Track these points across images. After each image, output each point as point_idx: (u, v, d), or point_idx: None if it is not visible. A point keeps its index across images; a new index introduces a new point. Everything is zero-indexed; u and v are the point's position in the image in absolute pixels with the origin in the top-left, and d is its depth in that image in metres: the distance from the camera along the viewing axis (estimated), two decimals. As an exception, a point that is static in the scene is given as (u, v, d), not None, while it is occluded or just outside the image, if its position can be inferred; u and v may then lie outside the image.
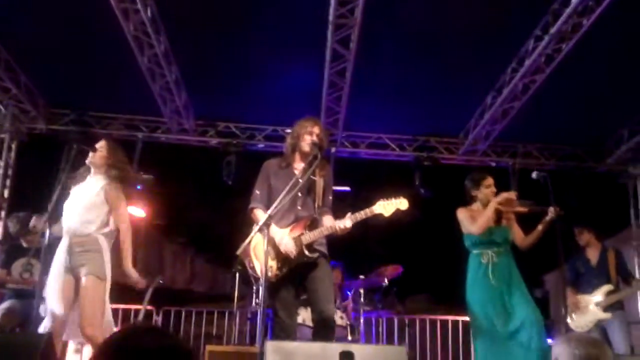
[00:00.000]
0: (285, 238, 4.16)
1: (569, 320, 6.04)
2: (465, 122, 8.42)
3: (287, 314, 4.24)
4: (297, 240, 4.17)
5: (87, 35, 6.62)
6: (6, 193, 8.23)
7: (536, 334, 4.60)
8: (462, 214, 5.14)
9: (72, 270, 4.25)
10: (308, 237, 4.16)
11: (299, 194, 4.23)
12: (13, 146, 8.41)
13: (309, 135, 4.36)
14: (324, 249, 4.31)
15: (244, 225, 4.52)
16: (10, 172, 8.33)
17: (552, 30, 5.97)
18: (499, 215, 5.08)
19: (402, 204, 4.18)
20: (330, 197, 4.45)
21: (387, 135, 8.81)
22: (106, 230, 4.38)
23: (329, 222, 4.24)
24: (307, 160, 4.28)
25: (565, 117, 8.00)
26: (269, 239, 3.90)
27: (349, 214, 4.16)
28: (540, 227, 5.00)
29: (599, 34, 5.95)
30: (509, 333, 4.68)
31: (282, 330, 4.19)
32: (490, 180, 5.17)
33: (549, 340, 5.05)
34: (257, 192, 4.38)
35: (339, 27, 6.06)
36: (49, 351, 3.76)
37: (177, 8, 6.25)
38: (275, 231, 4.15)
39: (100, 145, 4.58)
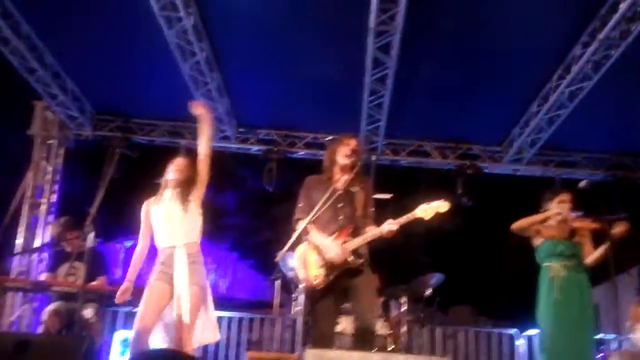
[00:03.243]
0: (332, 244, 4.20)
1: (631, 334, 5.87)
2: (509, 130, 8.25)
3: (327, 323, 4.26)
4: (342, 246, 4.21)
5: (131, 42, 6.75)
6: (54, 197, 8.41)
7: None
8: None
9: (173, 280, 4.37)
10: (352, 243, 4.21)
11: (340, 205, 4.30)
12: (61, 152, 8.60)
13: (345, 147, 4.41)
14: (367, 257, 4.33)
15: (285, 232, 4.57)
16: (58, 177, 8.51)
17: (600, 36, 5.81)
18: (572, 232, 4.98)
19: (441, 207, 4.19)
20: (372, 209, 4.47)
21: (428, 143, 8.71)
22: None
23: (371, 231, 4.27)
24: (346, 172, 4.36)
25: (614, 126, 7.78)
26: (314, 247, 4.09)
27: (389, 220, 4.19)
28: (606, 243, 4.87)
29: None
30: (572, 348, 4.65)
31: (322, 338, 4.17)
32: (565, 197, 5.06)
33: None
34: (301, 204, 4.44)
35: (380, 33, 6.03)
36: (91, 354, 3.83)
37: (219, 14, 6.33)
38: (320, 238, 4.21)
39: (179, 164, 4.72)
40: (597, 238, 5.02)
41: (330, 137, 8.56)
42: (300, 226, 4.28)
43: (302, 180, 4.61)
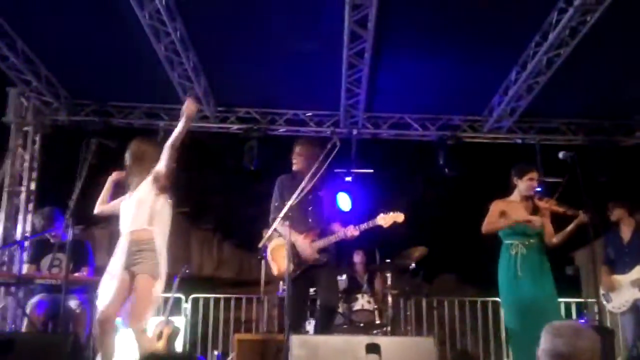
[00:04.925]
0: (304, 244, 4.79)
1: (605, 301, 5.96)
2: (489, 100, 8.25)
3: (299, 304, 4.83)
4: (311, 245, 4.83)
5: (104, 25, 6.60)
6: (33, 186, 8.30)
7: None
8: (492, 206, 5.16)
9: (127, 268, 4.22)
10: (319, 243, 4.82)
11: (309, 209, 4.86)
12: (37, 138, 8.46)
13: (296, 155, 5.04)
14: (331, 253, 4.92)
15: (268, 209, 5.03)
16: (36, 164, 8.39)
17: (576, 2, 5.80)
18: (535, 210, 5.03)
19: (399, 217, 4.80)
20: (335, 209, 5.09)
21: (409, 115, 8.69)
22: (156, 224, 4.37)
23: (337, 230, 4.86)
24: (314, 175, 4.68)
25: (592, 91, 7.81)
26: (288, 242, 4.48)
27: (351, 226, 4.80)
28: (569, 228, 5.03)
29: (625, 4, 5.77)
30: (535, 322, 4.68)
31: (296, 319, 4.72)
32: (534, 175, 5.15)
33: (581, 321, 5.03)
34: (276, 203, 4.93)
35: (356, 7, 5.97)
36: (76, 350, 3.81)
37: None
38: (295, 237, 4.70)
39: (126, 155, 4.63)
40: (557, 218, 5.14)
41: (310, 113, 8.56)
42: (275, 224, 4.67)
43: (283, 157, 5.12)
